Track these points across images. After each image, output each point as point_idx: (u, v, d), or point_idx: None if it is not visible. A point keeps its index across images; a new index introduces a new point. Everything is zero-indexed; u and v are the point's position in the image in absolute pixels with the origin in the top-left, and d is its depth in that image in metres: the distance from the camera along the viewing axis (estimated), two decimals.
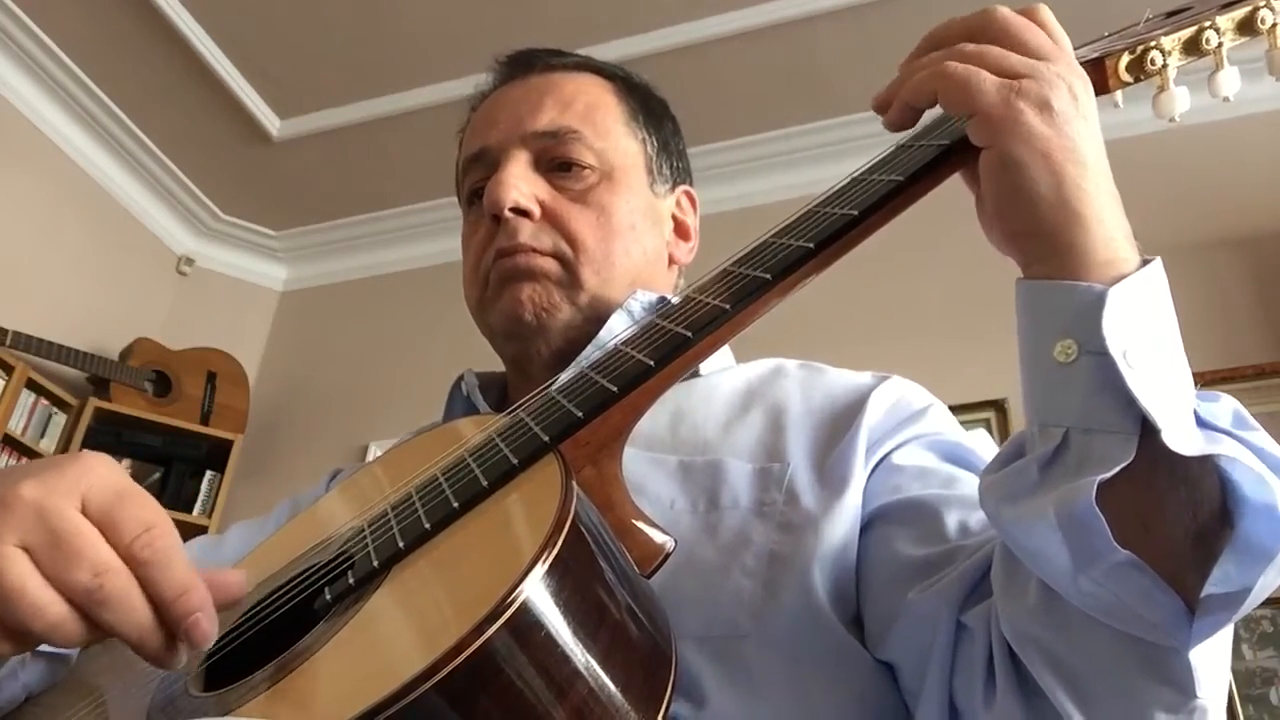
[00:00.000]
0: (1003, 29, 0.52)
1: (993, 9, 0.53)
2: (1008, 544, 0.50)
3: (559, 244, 0.77)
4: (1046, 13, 0.54)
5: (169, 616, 0.43)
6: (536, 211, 0.77)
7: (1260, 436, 0.46)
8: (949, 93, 0.50)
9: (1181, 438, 0.43)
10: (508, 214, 0.76)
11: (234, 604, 0.47)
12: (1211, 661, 0.46)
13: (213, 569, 0.46)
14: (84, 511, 0.44)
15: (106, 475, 0.46)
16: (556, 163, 0.79)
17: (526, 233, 0.76)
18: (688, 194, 0.90)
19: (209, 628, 0.43)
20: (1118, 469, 0.43)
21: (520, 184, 0.77)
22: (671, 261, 0.87)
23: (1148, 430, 0.43)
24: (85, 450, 0.48)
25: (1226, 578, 0.43)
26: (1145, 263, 0.47)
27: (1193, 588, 0.44)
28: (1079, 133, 0.48)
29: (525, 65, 0.86)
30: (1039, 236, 0.48)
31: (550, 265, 0.76)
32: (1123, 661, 0.46)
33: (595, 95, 0.84)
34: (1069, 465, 0.45)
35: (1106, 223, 0.47)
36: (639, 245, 0.80)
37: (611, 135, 0.82)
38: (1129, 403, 0.43)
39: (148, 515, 0.45)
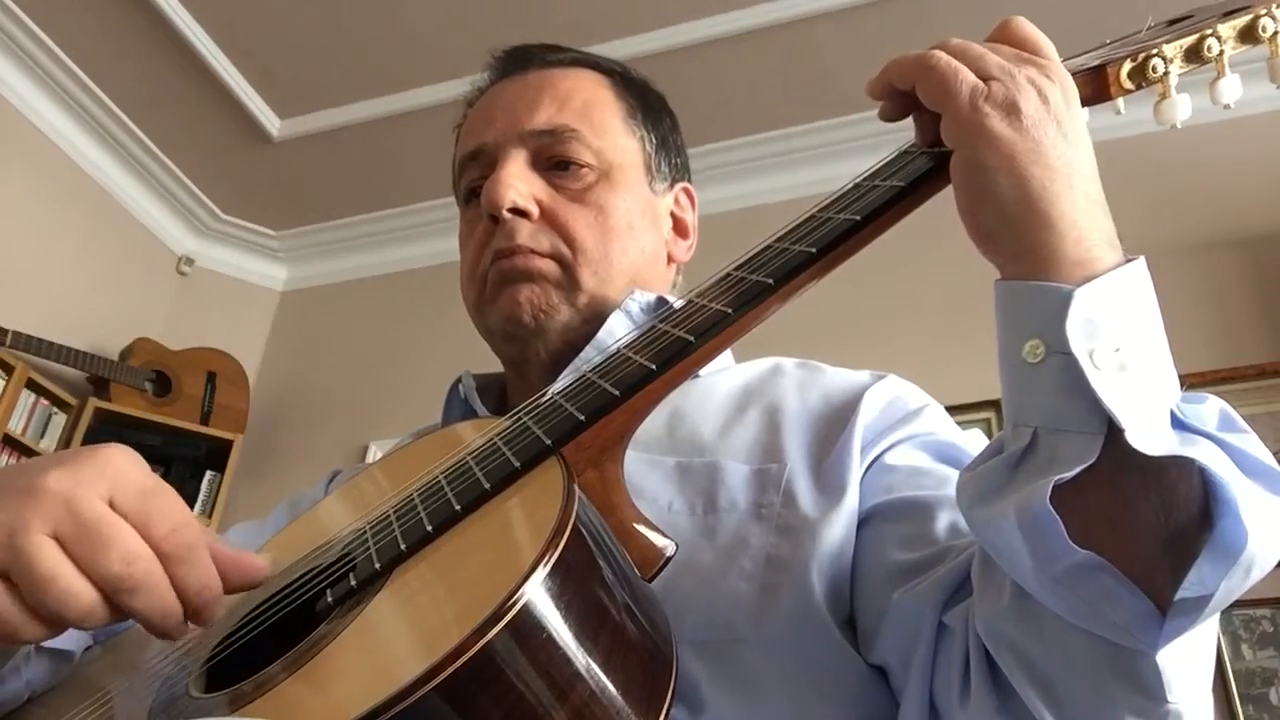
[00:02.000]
0: (998, 33, 0.54)
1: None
2: (979, 542, 0.50)
3: (557, 245, 0.76)
4: (1023, 24, 0.54)
5: (188, 607, 0.46)
6: (535, 212, 0.76)
7: (1246, 439, 0.46)
8: (926, 85, 0.52)
9: (1148, 438, 0.43)
10: (505, 214, 0.75)
11: (256, 585, 0.50)
12: (1185, 665, 0.46)
13: (240, 552, 0.49)
14: (111, 504, 0.45)
15: (132, 469, 0.47)
16: (554, 161, 0.79)
17: (525, 233, 0.76)
18: (686, 191, 0.89)
19: (218, 612, 0.48)
20: (1079, 469, 0.43)
21: (518, 184, 0.76)
22: (670, 260, 0.86)
23: (1114, 431, 0.43)
24: (108, 444, 0.49)
25: (1202, 581, 0.43)
26: (1127, 262, 0.47)
27: (1165, 590, 0.44)
28: (1047, 136, 0.48)
29: (522, 61, 0.86)
30: (1007, 238, 0.49)
31: (549, 267, 0.76)
32: (1092, 663, 0.46)
33: (592, 92, 0.83)
34: (1038, 465, 0.45)
35: (1079, 224, 0.47)
36: (637, 244, 0.80)
37: (609, 133, 0.81)
38: (1093, 403, 0.43)
39: (176, 512, 0.47)
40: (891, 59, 0.55)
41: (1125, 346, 0.44)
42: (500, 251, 0.76)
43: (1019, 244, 0.48)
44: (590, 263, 0.77)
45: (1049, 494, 0.42)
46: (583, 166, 0.79)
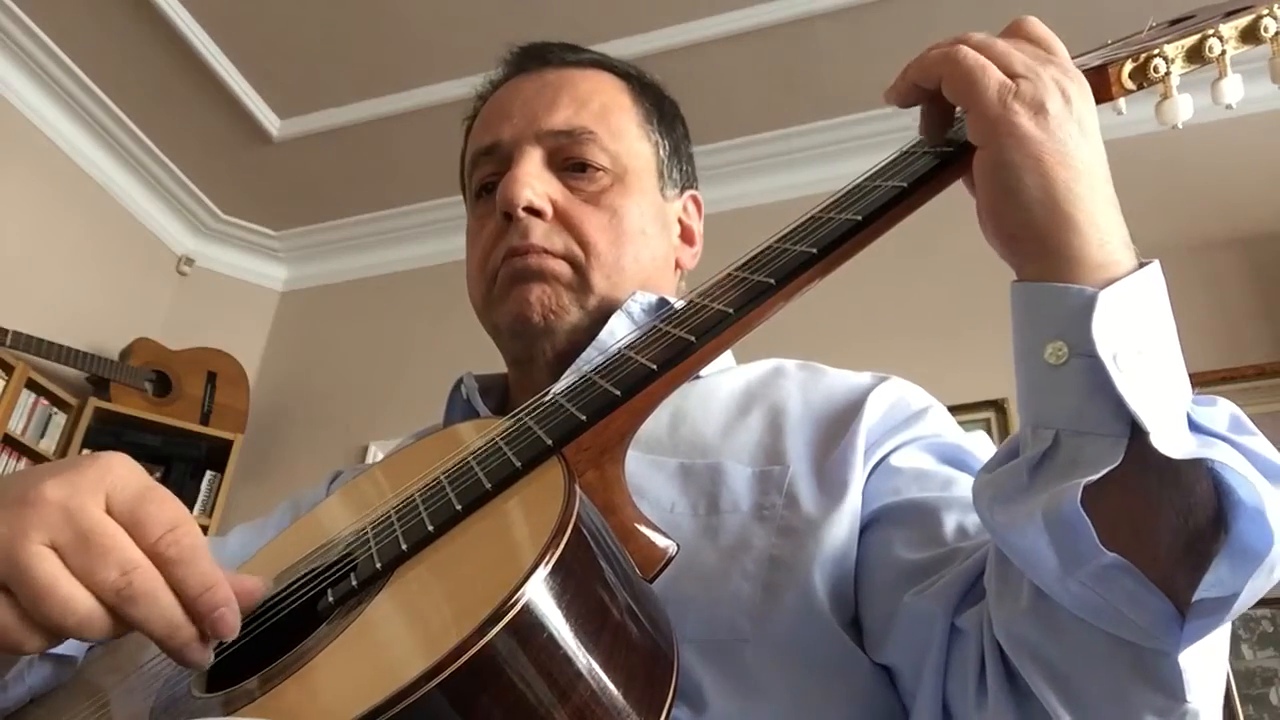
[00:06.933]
0: (1011, 32, 0.53)
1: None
2: (999, 545, 0.50)
3: (570, 246, 0.76)
4: (1036, 23, 0.54)
5: (194, 611, 0.44)
6: (549, 212, 0.76)
7: (1257, 441, 0.46)
8: (953, 80, 0.51)
9: (1171, 441, 0.43)
10: (520, 213, 0.75)
11: (251, 608, 0.48)
12: (1203, 665, 0.46)
13: (232, 573, 0.47)
14: (108, 510, 0.45)
15: (129, 475, 0.47)
16: (570, 163, 0.78)
17: (539, 233, 0.75)
18: (694, 198, 0.89)
19: (234, 621, 0.45)
20: (1105, 471, 0.43)
21: (534, 183, 0.76)
22: (677, 266, 0.86)
23: (1137, 433, 0.43)
24: (106, 451, 0.48)
25: (1220, 582, 0.43)
26: (1143, 266, 0.47)
27: (1184, 591, 0.44)
28: (1071, 136, 0.49)
29: (540, 59, 0.85)
30: (1030, 239, 0.48)
31: (561, 268, 0.76)
32: (1113, 664, 0.46)
33: (611, 96, 0.83)
34: (1059, 467, 0.45)
35: (1100, 226, 0.47)
36: (648, 250, 0.80)
37: (625, 138, 0.81)
38: (1118, 405, 0.43)
39: (171, 514, 0.46)
40: (912, 61, 0.54)
41: (1145, 349, 0.45)
42: (513, 250, 0.76)
43: (1042, 245, 0.48)
44: (603, 265, 0.77)
45: (1079, 496, 0.42)
46: (598, 169, 0.79)
